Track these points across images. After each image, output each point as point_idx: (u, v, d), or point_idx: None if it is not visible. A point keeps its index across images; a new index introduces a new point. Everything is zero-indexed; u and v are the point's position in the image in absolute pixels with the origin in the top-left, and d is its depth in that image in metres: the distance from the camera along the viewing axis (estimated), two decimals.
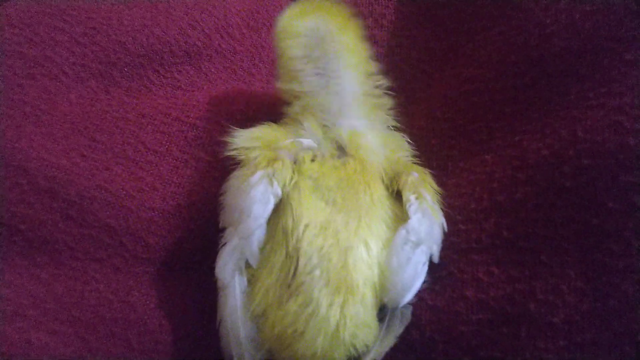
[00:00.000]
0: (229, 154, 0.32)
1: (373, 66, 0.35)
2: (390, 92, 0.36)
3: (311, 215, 0.29)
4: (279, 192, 0.30)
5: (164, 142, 0.37)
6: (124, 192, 0.35)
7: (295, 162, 0.31)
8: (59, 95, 0.37)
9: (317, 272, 0.28)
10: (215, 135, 0.38)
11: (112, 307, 0.33)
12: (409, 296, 0.30)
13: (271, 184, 0.30)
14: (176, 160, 0.37)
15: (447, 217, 0.33)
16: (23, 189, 0.33)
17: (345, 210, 0.30)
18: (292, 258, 0.28)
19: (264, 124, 0.33)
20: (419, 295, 0.32)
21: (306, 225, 0.29)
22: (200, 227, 0.36)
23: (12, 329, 0.30)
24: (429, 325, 0.31)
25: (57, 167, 0.34)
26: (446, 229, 0.32)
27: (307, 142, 0.32)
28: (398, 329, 0.30)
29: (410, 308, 0.31)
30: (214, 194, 0.36)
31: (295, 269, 0.28)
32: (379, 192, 0.31)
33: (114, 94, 0.38)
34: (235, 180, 0.31)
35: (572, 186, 0.29)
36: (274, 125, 0.33)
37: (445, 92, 0.38)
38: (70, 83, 0.38)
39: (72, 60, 0.38)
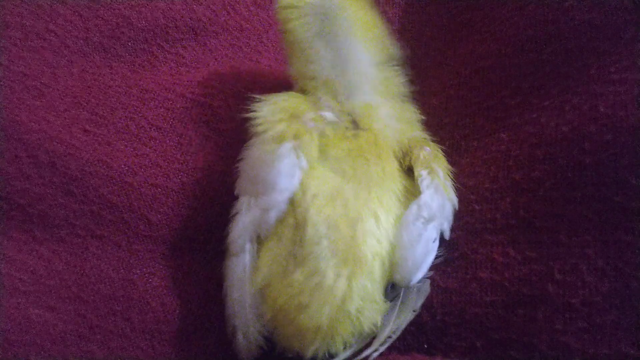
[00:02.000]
0: (251, 125, 0.30)
1: (385, 38, 0.34)
2: (403, 69, 0.35)
3: (319, 185, 0.28)
4: (306, 165, 0.29)
5: (167, 119, 0.36)
6: (126, 168, 0.34)
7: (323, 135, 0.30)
8: (60, 69, 0.36)
9: (325, 243, 0.27)
10: (221, 112, 0.37)
11: (113, 285, 0.32)
12: (420, 273, 0.29)
13: (298, 157, 0.29)
14: (180, 137, 0.36)
15: (461, 196, 0.32)
16: (23, 162, 0.32)
17: (355, 180, 0.29)
18: (300, 228, 0.27)
19: (285, 93, 0.32)
20: (430, 276, 0.31)
21: (314, 195, 0.28)
22: (205, 206, 0.35)
23: (11, 305, 0.30)
24: (441, 307, 0.30)
25: (58, 141, 0.33)
26: (457, 207, 0.31)
27: (329, 115, 0.31)
28: (416, 302, 0.29)
29: (428, 281, 0.30)
30: (219, 172, 0.35)
31: (303, 239, 0.27)
32: (391, 165, 0.30)
33: (117, 69, 0.38)
34: (259, 149, 0.30)
35: (592, 163, 0.27)
36: (295, 95, 0.32)
37: (459, 70, 0.37)
38: (73, 56, 0.37)
39: (74, 33, 0.37)
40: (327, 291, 0.26)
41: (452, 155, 0.35)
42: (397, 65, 0.34)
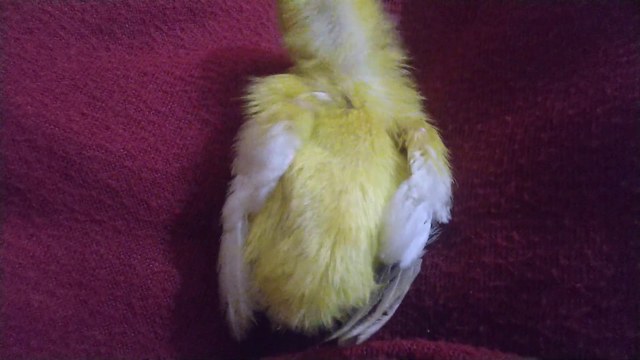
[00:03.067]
0: (247, 106, 0.31)
1: (385, 19, 0.34)
2: (404, 52, 0.34)
3: (305, 159, 0.29)
4: (299, 145, 0.29)
5: (166, 102, 0.36)
6: (125, 152, 0.33)
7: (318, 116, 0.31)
8: (57, 51, 0.35)
9: (309, 214, 0.27)
10: (220, 96, 0.37)
11: (113, 270, 0.32)
12: (409, 253, 0.29)
13: (291, 136, 0.29)
14: (179, 120, 0.36)
15: (464, 180, 0.32)
16: (20, 146, 0.32)
17: (342, 154, 0.29)
18: (286, 201, 0.28)
19: (279, 75, 0.32)
20: (433, 261, 0.31)
21: (300, 169, 0.28)
22: (205, 191, 0.34)
23: (11, 290, 0.30)
24: (444, 292, 0.30)
25: (55, 124, 0.33)
26: (449, 188, 0.31)
27: (322, 95, 0.31)
28: (406, 284, 0.29)
29: (420, 261, 0.30)
30: (219, 156, 0.35)
31: (288, 211, 0.28)
32: (382, 141, 0.30)
33: (115, 51, 0.37)
34: (253, 129, 0.30)
35: (599, 146, 0.27)
36: (290, 76, 0.32)
37: (463, 52, 0.36)
38: (70, 38, 0.36)
39: (71, 14, 0.36)
40: (311, 260, 0.27)
41: (456, 139, 0.34)
42: (398, 48, 0.34)
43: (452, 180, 0.31)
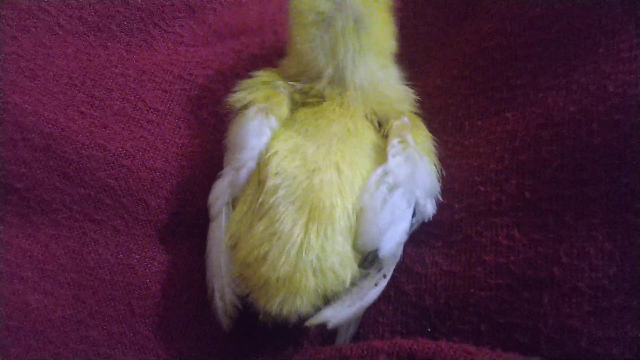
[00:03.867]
0: (233, 105, 0.31)
1: (394, 45, 0.33)
2: (403, 49, 0.34)
3: (280, 144, 0.29)
4: (275, 124, 0.30)
5: (165, 101, 0.36)
6: (124, 151, 0.33)
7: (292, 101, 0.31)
8: (55, 49, 0.35)
9: (281, 192, 0.27)
10: (219, 94, 0.37)
11: (111, 270, 0.32)
12: (386, 241, 0.28)
13: (266, 116, 0.30)
14: (178, 119, 0.35)
15: (465, 177, 0.32)
16: (18, 145, 0.32)
17: (316, 137, 0.29)
18: (261, 184, 0.28)
19: (263, 70, 0.33)
20: (433, 259, 0.31)
21: (275, 152, 0.29)
22: (204, 190, 0.34)
23: (9, 291, 0.30)
24: (444, 291, 0.30)
25: (53, 123, 0.32)
26: (434, 176, 0.30)
27: (298, 85, 0.31)
28: (387, 269, 0.29)
29: (402, 248, 0.30)
30: (218, 156, 0.35)
31: (262, 192, 0.28)
32: (358, 124, 0.30)
33: (113, 49, 0.37)
34: (235, 121, 0.31)
35: (601, 143, 0.27)
36: (274, 70, 0.33)
37: (462, 49, 0.36)
38: (67, 36, 0.36)
39: (68, 12, 0.36)
40: (285, 239, 0.26)
41: (456, 135, 0.34)
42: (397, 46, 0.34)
43: (442, 170, 0.31)
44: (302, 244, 0.26)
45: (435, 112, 0.35)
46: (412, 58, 0.35)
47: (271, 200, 0.27)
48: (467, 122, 0.34)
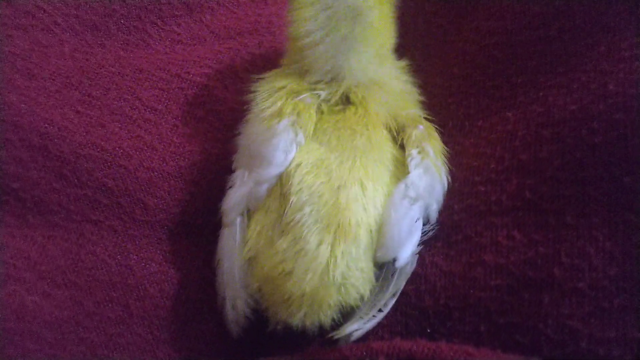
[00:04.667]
0: (252, 102, 0.31)
1: (394, 42, 0.33)
2: (403, 47, 0.34)
3: (304, 155, 0.29)
4: (302, 141, 0.29)
5: (162, 100, 0.35)
6: (121, 151, 0.33)
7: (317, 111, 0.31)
8: (51, 48, 0.35)
9: (307, 209, 0.27)
10: (217, 93, 0.36)
11: (109, 271, 0.32)
12: (403, 251, 0.28)
13: (295, 133, 0.29)
14: (176, 118, 0.35)
15: (465, 177, 0.31)
16: (15, 145, 0.31)
17: (339, 150, 0.29)
18: (285, 198, 0.28)
19: (279, 71, 0.32)
20: (433, 260, 0.30)
21: (298, 165, 0.28)
22: (202, 190, 0.34)
23: (6, 292, 0.29)
24: (444, 291, 0.29)
25: (50, 123, 0.32)
26: (445, 187, 0.31)
27: (323, 94, 0.31)
28: (402, 280, 0.29)
29: (416, 257, 0.30)
30: (216, 154, 0.35)
31: (287, 207, 0.27)
32: (379, 136, 0.30)
33: (110, 48, 0.36)
34: (258, 125, 0.30)
35: (601, 142, 0.27)
36: (291, 73, 0.32)
37: (463, 47, 0.36)
38: (64, 35, 0.36)
39: (65, 10, 0.36)
40: (311, 257, 0.26)
41: (456, 135, 0.34)
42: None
43: (449, 179, 0.31)
44: (328, 262, 0.26)
45: (436, 111, 0.34)
46: (411, 56, 0.35)
47: (296, 216, 0.27)
48: (468, 122, 0.34)
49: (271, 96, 0.30)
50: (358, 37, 0.30)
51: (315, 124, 0.30)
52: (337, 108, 0.31)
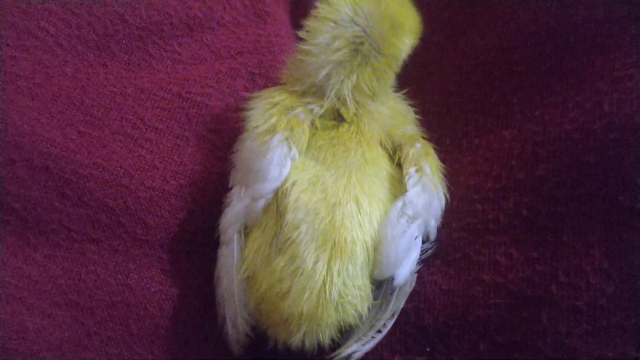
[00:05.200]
0: (246, 120, 0.31)
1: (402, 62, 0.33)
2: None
3: (299, 172, 0.29)
4: (296, 156, 0.29)
5: (164, 119, 0.36)
6: (122, 171, 0.33)
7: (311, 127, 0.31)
8: (54, 69, 0.35)
9: (303, 228, 0.27)
10: (217, 111, 0.37)
11: (110, 290, 0.32)
12: (402, 270, 0.28)
13: (289, 147, 0.29)
14: (177, 138, 0.36)
15: (463, 195, 0.32)
16: (16, 165, 0.32)
17: (334, 167, 0.29)
18: (281, 216, 0.28)
19: (274, 88, 0.32)
20: (432, 278, 0.31)
21: (293, 182, 0.28)
22: (203, 208, 0.34)
23: (6, 313, 0.29)
24: (443, 310, 0.29)
25: (52, 143, 0.32)
26: (443, 206, 0.31)
27: (316, 109, 0.31)
28: (401, 300, 0.29)
29: (415, 276, 0.30)
30: (217, 173, 0.35)
31: (283, 226, 0.28)
32: (374, 152, 0.30)
33: (112, 68, 0.37)
34: (251, 140, 0.30)
35: (597, 162, 0.27)
36: (286, 90, 0.32)
37: (459, 65, 0.36)
38: (66, 56, 0.36)
39: (67, 31, 0.36)
40: (307, 276, 0.26)
41: (454, 153, 0.34)
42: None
43: (447, 196, 0.31)
44: (324, 281, 0.26)
45: (433, 128, 0.35)
46: (409, 73, 0.35)
47: (293, 235, 0.27)
48: (465, 140, 0.34)
49: (265, 113, 0.31)
50: (367, 68, 0.30)
51: (310, 140, 0.30)
52: (331, 124, 0.31)
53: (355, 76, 0.30)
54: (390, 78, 0.33)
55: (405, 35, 0.31)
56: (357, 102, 0.31)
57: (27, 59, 0.35)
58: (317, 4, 0.31)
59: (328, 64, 0.30)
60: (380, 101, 0.32)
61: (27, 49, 0.35)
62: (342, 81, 0.30)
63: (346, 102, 0.31)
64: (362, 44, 0.30)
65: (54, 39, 0.36)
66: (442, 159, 0.33)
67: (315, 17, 0.31)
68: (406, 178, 0.29)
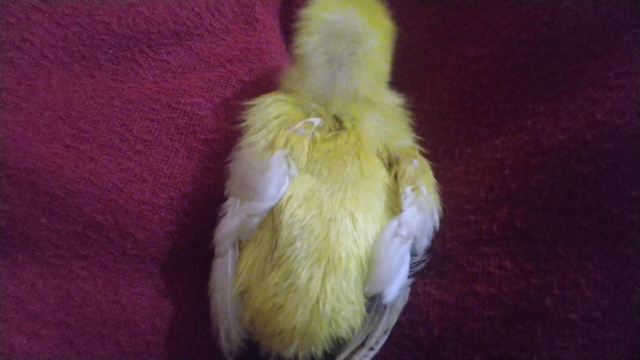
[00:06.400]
0: (244, 129, 0.31)
1: (389, 70, 0.34)
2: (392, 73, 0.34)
3: (295, 187, 0.29)
4: (295, 174, 0.29)
5: (153, 130, 0.35)
6: (111, 185, 0.32)
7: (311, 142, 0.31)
8: (39, 81, 0.34)
9: (298, 244, 0.27)
10: (208, 122, 0.36)
11: (100, 308, 0.31)
12: (392, 286, 0.28)
13: (289, 165, 0.29)
14: (166, 149, 0.35)
15: (456, 206, 0.32)
16: (1, 182, 0.31)
17: (330, 181, 0.29)
18: (276, 231, 0.28)
19: (273, 97, 0.32)
20: (425, 289, 0.30)
21: (289, 197, 0.28)
22: (194, 221, 0.34)
23: None
24: (438, 322, 0.29)
25: (38, 158, 0.32)
26: (437, 223, 0.31)
27: (317, 121, 0.31)
28: (394, 316, 0.29)
29: (408, 290, 0.30)
30: (208, 185, 0.34)
31: (278, 241, 0.27)
32: (371, 165, 0.30)
33: (99, 79, 0.36)
34: (251, 155, 0.30)
35: (590, 172, 0.27)
36: (283, 98, 0.32)
37: (450, 73, 0.36)
38: (51, 67, 0.35)
39: (52, 42, 0.35)
40: (301, 292, 0.27)
41: (447, 162, 0.34)
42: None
43: (441, 213, 0.31)
44: (318, 297, 0.27)
45: (425, 137, 0.34)
46: (400, 82, 0.35)
47: (287, 251, 0.27)
48: (457, 149, 0.34)
49: (265, 126, 0.30)
50: (356, 60, 0.31)
51: (307, 154, 0.30)
52: (329, 135, 0.31)
53: (350, 70, 0.31)
54: (385, 70, 0.33)
55: (382, 21, 0.34)
56: (356, 102, 0.31)
57: (10, 71, 0.34)
58: (299, 18, 0.32)
59: (322, 68, 0.31)
60: (379, 101, 0.32)
61: (11, 61, 0.34)
62: (340, 81, 0.31)
63: (346, 103, 0.31)
64: (348, 43, 0.31)
65: (39, 50, 0.35)
66: (435, 168, 0.32)
67: (301, 31, 0.32)
68: (402, 197, 0.29)
